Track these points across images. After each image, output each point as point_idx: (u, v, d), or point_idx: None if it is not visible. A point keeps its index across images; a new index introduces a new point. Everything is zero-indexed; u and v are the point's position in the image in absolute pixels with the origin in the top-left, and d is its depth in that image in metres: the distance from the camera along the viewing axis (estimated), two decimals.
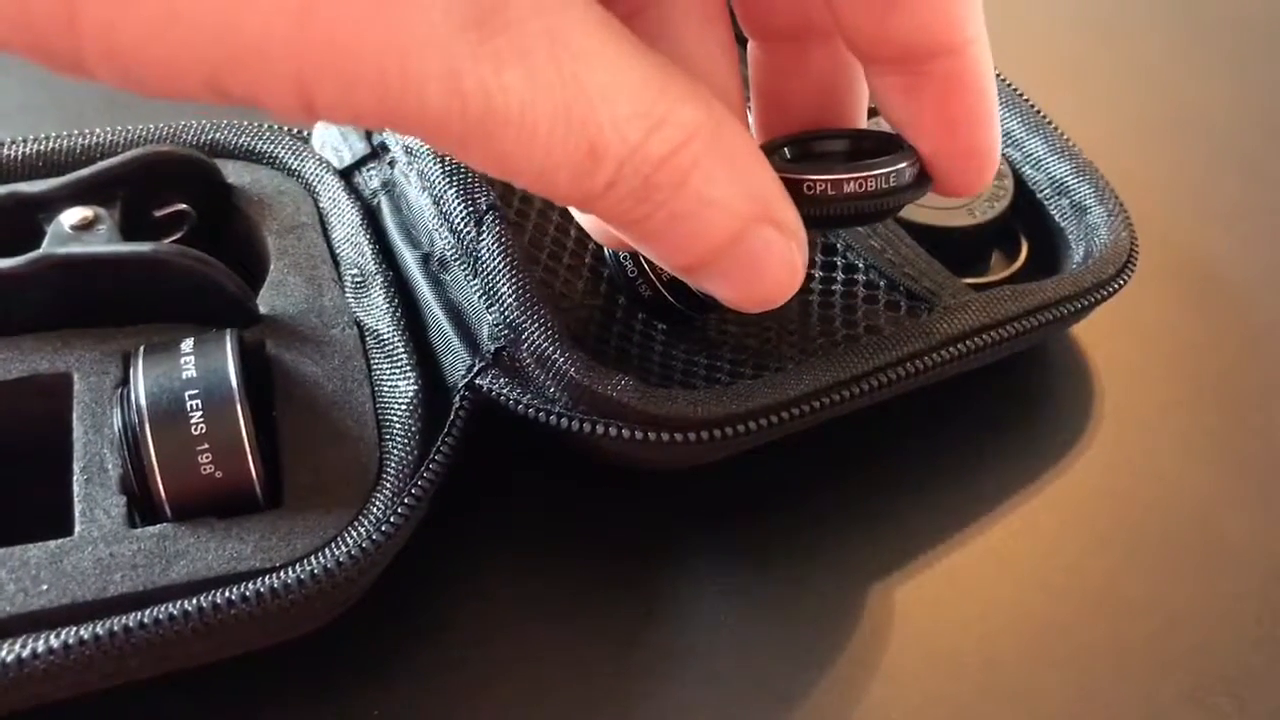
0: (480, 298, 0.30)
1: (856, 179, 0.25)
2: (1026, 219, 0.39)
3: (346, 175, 0.35)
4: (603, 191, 0.21)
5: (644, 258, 0.30)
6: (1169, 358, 0.40)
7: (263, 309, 0.31)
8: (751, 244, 0.23)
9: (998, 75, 0.42)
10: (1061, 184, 0.39)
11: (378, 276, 0.32)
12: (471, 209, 0.30)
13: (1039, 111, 0.41)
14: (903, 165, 0.25)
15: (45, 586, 0.25)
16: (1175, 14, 0.59)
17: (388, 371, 0.30)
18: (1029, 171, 0.40)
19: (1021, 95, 0.41)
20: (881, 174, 0.25)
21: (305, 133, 0.36)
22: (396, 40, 0.19)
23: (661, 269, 0.30)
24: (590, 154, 0.21)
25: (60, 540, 0.26)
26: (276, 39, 0.18)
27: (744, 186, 0.23)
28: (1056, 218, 0.39)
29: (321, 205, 0.35)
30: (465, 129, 0.20)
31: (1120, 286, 0.36)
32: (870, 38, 0.24)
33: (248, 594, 0.25)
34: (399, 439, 0.29)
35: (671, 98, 0.21)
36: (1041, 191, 0.39)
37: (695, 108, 0.22)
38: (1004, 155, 0.40)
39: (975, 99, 0.25)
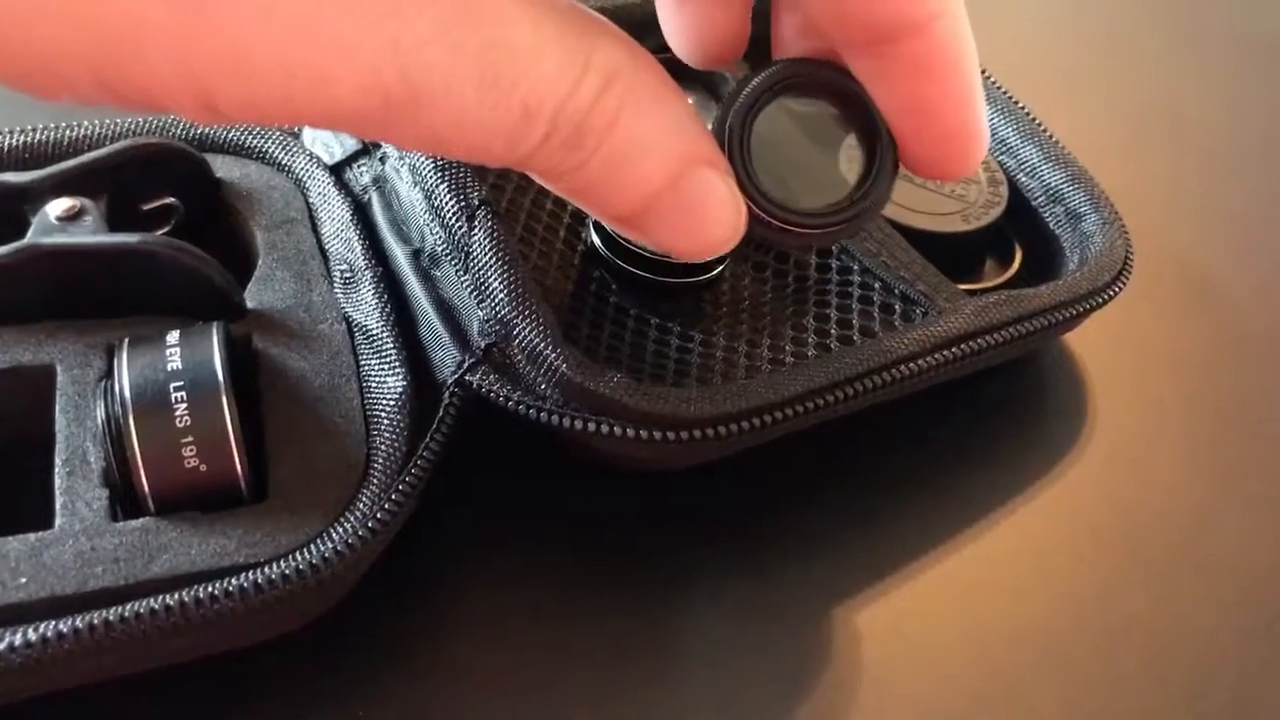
0: (471, 293, 0.29)
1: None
2: (1021, 226, 0.39)
3: (337, 171, 0.35)
4: (538, 148, 0.21)
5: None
6: (1162, 365, 0.40)
7: (250, 303, 0.31)
8: (690, 185, 0.23)
9: (993, 82, 0.42)
10: (1056, 191, 0.39)
11: (367, 272, 0.32)
12: (464, 204, 0.30)
13: (1034, 119, 0.41)
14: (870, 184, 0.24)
15: (24, 579, 0.25)
16: (1170, 26, 0.59)
17: (376, 367, 0.30)
18: (1023, 179, 0.40)
19: (1017, 102, 0.41)
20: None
21: (296, 129, 0.36)
22: (297, 34, 0.18)
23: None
24: (524, 114, 0.20)
25: (40, 533, 0.26)
26: (152, 29, 0.17)
27: (674, 125, 0.22)
28: (1051, 225, 0.39)
29: (311, 201, 0.34)
30: (389, 116, 0.19)
31: (1115, 294, 0.36)
32: (830, 18, 0.23)
33: (231, 589, 0.25)
34: (387, 435, 0.28)
35: (590, 40, 0.21)
36: (1036, 199, 0.39)
37: (614, 47, 0.21)
38: (999, 162, 0.40)
39: (946, 81, 0.23)
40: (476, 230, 0.29)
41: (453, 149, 0.21)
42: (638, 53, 0.22)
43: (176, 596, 0.24)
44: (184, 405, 0.26)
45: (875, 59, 0.23)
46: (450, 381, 0.29)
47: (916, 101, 0.24)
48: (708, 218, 0.23)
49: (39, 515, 0.26)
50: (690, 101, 0.40)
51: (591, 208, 0.23)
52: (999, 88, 0.42)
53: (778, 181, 0.25)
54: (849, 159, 0.25)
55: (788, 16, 0.26)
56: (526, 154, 0.21)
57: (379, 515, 0.26)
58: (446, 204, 0.30)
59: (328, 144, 0.35)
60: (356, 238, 0.33)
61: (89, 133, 0.34)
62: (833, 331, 0.32)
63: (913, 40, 0.23)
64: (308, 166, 0.35)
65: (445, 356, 0.30)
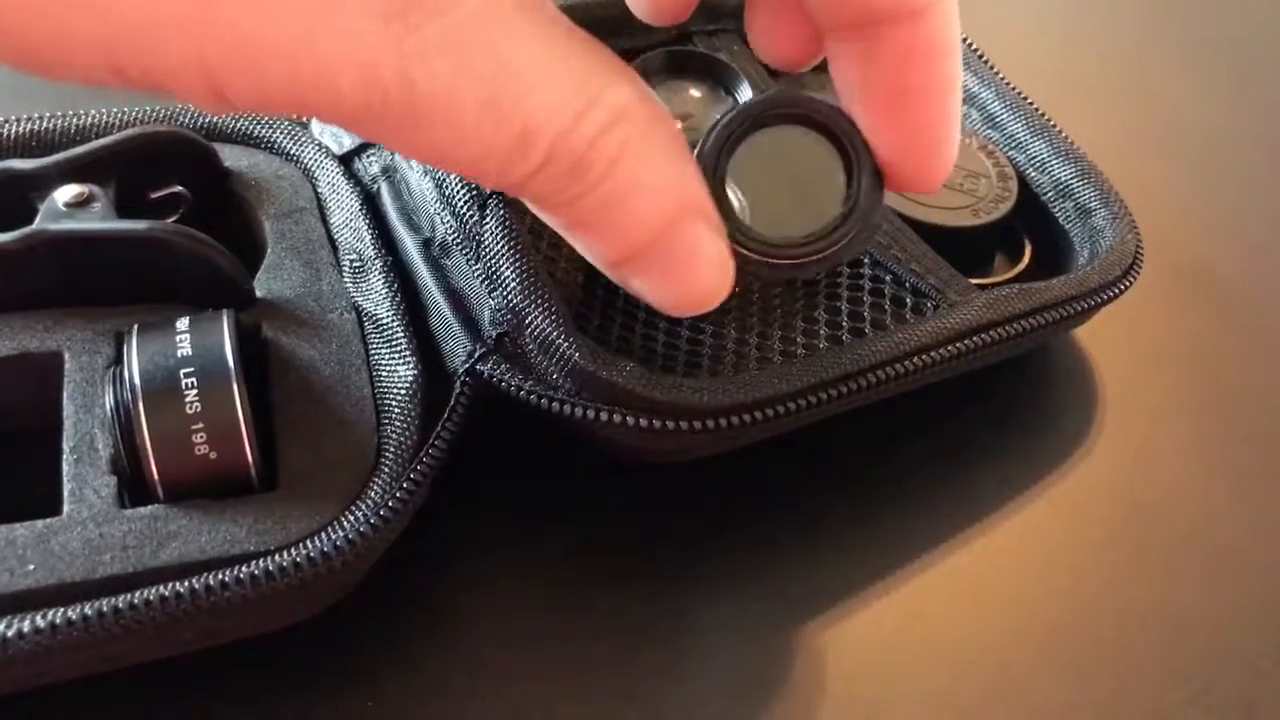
0: (482, 282, 0.29)
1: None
2: (1030, 221, 0.39)
3: (346, 161, 0.35)
4: (533, 174, 0.21)
5: None
6: (1170, 361, 0.40)
7: (259, 292, 0.31)
8: (683, 236, 0.22)
9: (1001, 77, 0.42)
10: (1066, 187, 0.39)
11: (377, 261, 0.32)
12: (475, 192, 0.30)
13: (1043, 114, 0.41)
14: (858, 219, 0.24)
15: (32, 566, 0.25)
16: (1174, 29, 0.59)
17: (387, 356, 0.30)
18: (1033, 174, 0.40)
19: (1025, 98, 0.41)
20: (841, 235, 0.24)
21: (304, 119, 0.36)
22: (305, 27, 0.18)
23: None
24: (522, 139, 0.20)
25: (48, 520, 0.25)
26: (171, 15, 0.17)
27: (674, 174, 0.22)
28: (1060, 220, 0.39)
29: (320, 190, 0.34)
30: (388, 118, 0.19)
31: (1125, 288, 0.36)
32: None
33: (241, 577, 0.24)
34: (398, 424, 0.28)
35: (602, 78, 0.21)
36: (1045, 194, 0.39)
37: (625, 88, 0.21)
38: (1008, 158, 0.40)
39: (932, 69, 0.23)
40: (489, 219, 0.29)
41: (448, 162, 0.21)
42: (648, 99, 0.22)
43: (186, 584, 0.24)
44: (194, 392, 0.26)
45: (863, 42, 0.23)
46: (461, 371, 0.29)
47: (898, 88, 0.23)
48: (697, 271, 0.23)
49: (46, 502, 0.26)
50: (698, 95, 0.40)
51: (582, 245, 0.23)
52: (1007, 83, 0.42)
53: (768, 209, 0.24)
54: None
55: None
56: (520, 179, 0.21)
57: (390, 504, 0.26)
58: (458, 193, 0.30)
59: (337, 134, 0.35)
60: (366, 227, 0.32)
61: (96, 121, 0.33)
62: (844, 324, 0.32)
63: (905, 26, 0.23)
64: (316, 156, 0.35)
65: (456, 346, 0.30)
